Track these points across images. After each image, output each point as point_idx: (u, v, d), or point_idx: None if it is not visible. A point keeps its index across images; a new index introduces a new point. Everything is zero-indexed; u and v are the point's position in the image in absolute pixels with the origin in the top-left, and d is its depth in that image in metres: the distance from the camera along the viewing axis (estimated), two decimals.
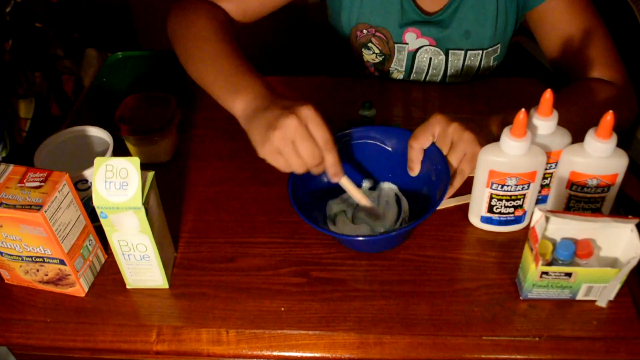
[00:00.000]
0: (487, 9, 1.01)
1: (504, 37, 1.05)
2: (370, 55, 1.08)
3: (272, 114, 0.72)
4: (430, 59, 1.06)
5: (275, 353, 0.70)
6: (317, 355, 0.70)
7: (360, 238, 0.74)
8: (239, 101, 0.78)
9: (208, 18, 0.91)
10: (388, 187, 0.85)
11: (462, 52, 1.05)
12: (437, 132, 0.78)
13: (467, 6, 1.01)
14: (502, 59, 1.09)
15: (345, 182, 0.78)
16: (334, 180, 0.76)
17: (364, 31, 1.06)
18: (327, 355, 0.70)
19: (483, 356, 0.68)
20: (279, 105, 0.73)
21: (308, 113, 0.71)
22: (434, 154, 0.79)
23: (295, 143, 0.71)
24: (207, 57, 0.86)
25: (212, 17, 0.92)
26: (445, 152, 0.78)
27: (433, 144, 0.79)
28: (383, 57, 1.08)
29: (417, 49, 1.05)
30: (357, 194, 0.80)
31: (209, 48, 0.86)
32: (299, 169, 0.72)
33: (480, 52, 1.05)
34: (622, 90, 0.93)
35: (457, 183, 0.79)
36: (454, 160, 0.77)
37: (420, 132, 0.78)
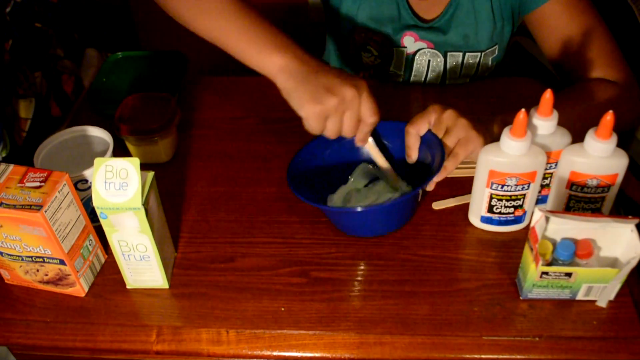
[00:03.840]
0: (482, 14, 1.01)
1: (501, 39, 1.05)
2: (369, 58, 1.08)
3: (329, 80, 0.73)
4: (429, 60, 1.06)
5: (275, 353, 0.70)
6: (317, 355, 0.70)
7: (359, 209, 0.75)
8: (277, 57, 0.76)
9: None
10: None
11: (461, 54, 1.05)
12: (433, 119, 0.79)
13: (462, 12, 1.01)
14: (501, 60, 1.09)
15: (371, 145, 0.82)
16: (359, 144, 0.80)
17: (362, 35, 1.06)
18: (327, 355, 0.70)
19: (483, 356, 0.68)
20: (333, 74, 0.75)
21: (364, 86, 0.74)
22: (431, 141, 0.79)
23: (344, 113, 0.74)
24: (226, 8, 0.80)
25: None
26: (440, 137, 0.79)
27: (430, 131, 0.80)
28: (381, 59, 1.08)
29: (416, 52, 1.06)
30: (377, 156, 0.83)
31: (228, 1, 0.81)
32: (332, 135, 0.76)
33: (479, 53, 1.05)
34: (625, 90, 0.92)
35: (451, 166, 0.78)
36: (449, 144, 0.79)
37: (417, 119, 0.80)
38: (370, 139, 0.81)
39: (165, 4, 0.83)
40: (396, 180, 0.84)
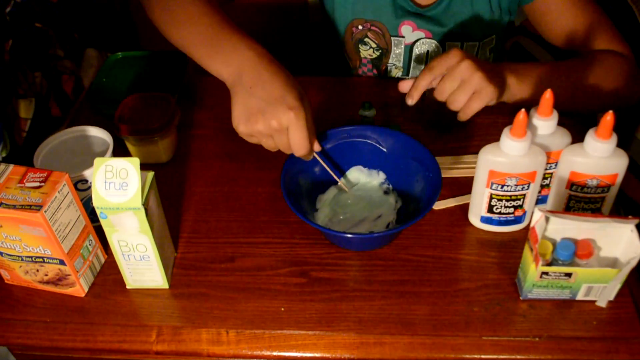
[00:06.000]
0: (479, 2, 1.01)
1: (498, 30, 1.05)
2: (367, 51, 1.08)
3: (263, 102, 0.72)
4: (428, 51, 1.06)
5: (275, 353, 0.70)
6: (317, 355, 0.70)
7: (348, 235, 0.77)
8: (226, 65, 0.76)
9: None
10: (377, 182, 0.86)
11: (459, 45, 1.05)
12: (451, 65, 0.79)
13: (457, 1, 1.01)
14: (499, 52, 1.10)
15: (317, 157, 0.80)
16: (304, 159, 0.79)
17: (360, 27, 1.06)
18: (327, 355, 0.70)
19: (483, 356, 0.68)
20: (273, 92, 0.72)
21: (296, 115, 0.71)
22: (427, 161, 0.79)
23: (274, 137, 0.73)
24: (188, 17, 0.82)
25: None
26: (453, 88, 0.79)
27: (428, 152, 0.79)
28: (380, 51, 1.08)
29: (414, 42, 1.06)
30: (325, 166, 0.82)
31: (191, 8, 0.82)
32: (270, 149, 0.76)
33: (477, 43, 1.05)
34: (631, 62, 0.93)
35: (465, 116, 0.79)
36: (462, 96, 0.78)
37: (436, 64, 0.80)
38: (315, 154, 0.79)
39: (149, 14, 0.87)
40: (344, 187, 0.84)
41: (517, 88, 0.86)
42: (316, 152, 0.79)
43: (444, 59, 0.80)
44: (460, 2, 1.01)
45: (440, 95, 0.81)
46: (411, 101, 0.81)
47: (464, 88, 0.78)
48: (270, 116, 0.71)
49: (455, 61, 0.79)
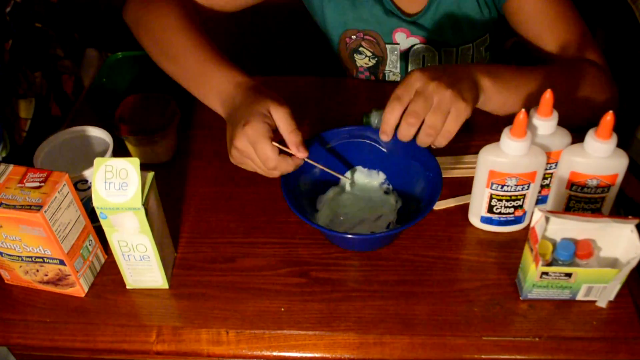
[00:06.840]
0: (467, 3, 1.00)
1: (490, 27, 1.04)
2: (363, 60, 1.08)
3: (235, 127, 0.75)
4: (424, 56, 1.06)
5: (275, 353, 0.70)
6: (317, 355, 0.70)
7: (349, 236, 0.77)
8: (218, 104, 0.82)
9: (173, 6, 0.91)
10: (378, 182, 0.86)
11: (454, 49, 1.04)
12: (419, 88, 0.73)
13: (446, 4, 1.00)
14: (498, 51, 1.09)
15: (313, 162, 0.80)
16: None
17: (353, 37, 1.05)
18: (327, 355, 0.70)
19: (483, 356, 0.68)
20: (236, 116, 0.76)
21: (255, 132, 0.73)
22: (427, 161, 0.79)
23: (249, 158, 0.75)
24: (175, 52, 0.87)
25: (176, 4, 0.91)
26: (427, 110, 0.73)
27: (428, 152, 0.78)
28: (376, 59, 1.07)
29: (409, 48, 1.05)
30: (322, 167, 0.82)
31: (177, 41, 0.86)
32: (267, 174, 0.77)
33: (471, 45, 1.04)
34: (609, 76, 0.91)
35: (445, 141, 0.74)
36: (437, 121, 0.72)
37: (403, 90, 0.74)
38: (308, 159, 0.78)
39: (137, 40, 0.92)
40: (347, 181, 0.85)
41: (492, 90, 0.80)
42: (309, 158, 0.77)
43: (409, 84, 0.74)
44: (447, 6, 1.00)
45: (412, 122, 0.73)
46: (386, 137, 0.77)
47: (438, 110, 0.72)
48: (235, 139, 0.74)
49: (421, 83, 0.73)
